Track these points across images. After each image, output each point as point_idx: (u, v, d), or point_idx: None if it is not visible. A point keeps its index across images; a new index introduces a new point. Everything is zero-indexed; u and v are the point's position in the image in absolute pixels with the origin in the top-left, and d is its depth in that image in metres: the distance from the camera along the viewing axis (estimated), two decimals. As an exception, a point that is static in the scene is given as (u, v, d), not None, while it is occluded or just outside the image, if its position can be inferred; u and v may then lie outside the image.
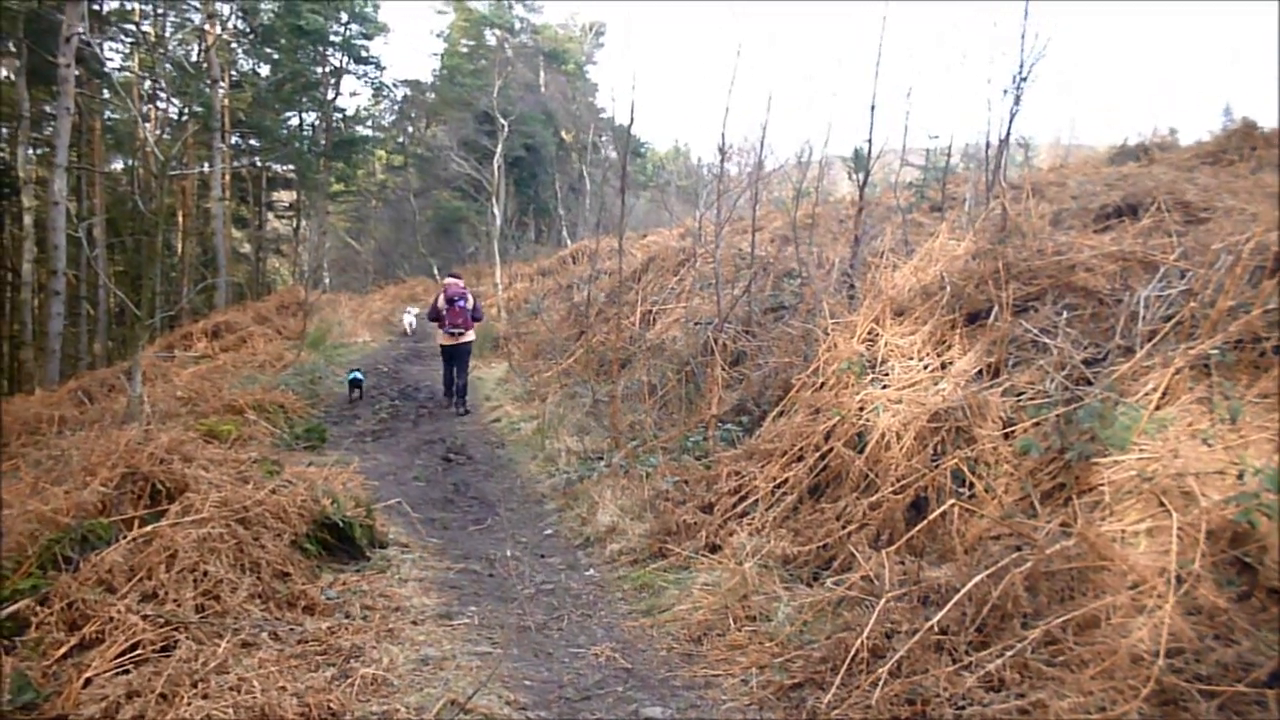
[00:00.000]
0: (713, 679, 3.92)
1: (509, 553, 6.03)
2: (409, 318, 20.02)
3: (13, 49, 17.69)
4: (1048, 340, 5.14)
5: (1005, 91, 8.32)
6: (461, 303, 11.18)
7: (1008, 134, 8.58)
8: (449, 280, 11.68)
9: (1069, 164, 15.68)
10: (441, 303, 11.23)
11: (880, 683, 3.32)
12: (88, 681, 3.44)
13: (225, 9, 26.01)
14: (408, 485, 8.02)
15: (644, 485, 6.55)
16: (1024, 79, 7.91)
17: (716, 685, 3.85)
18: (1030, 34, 9.02)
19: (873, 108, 8.55)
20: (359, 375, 12.31)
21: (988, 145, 9.15)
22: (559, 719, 3.61)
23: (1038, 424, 4.54)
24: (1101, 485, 4.02)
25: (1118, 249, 5.65)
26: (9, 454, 8.35)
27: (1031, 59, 7.84)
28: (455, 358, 11.42)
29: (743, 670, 3.92)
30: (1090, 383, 4.64)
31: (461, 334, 11.23)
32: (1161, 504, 3.73)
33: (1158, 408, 4.17)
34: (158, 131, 24.65)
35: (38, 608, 3.88)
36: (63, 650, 3.65)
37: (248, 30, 29.32)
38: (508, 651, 4.28)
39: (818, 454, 5.51)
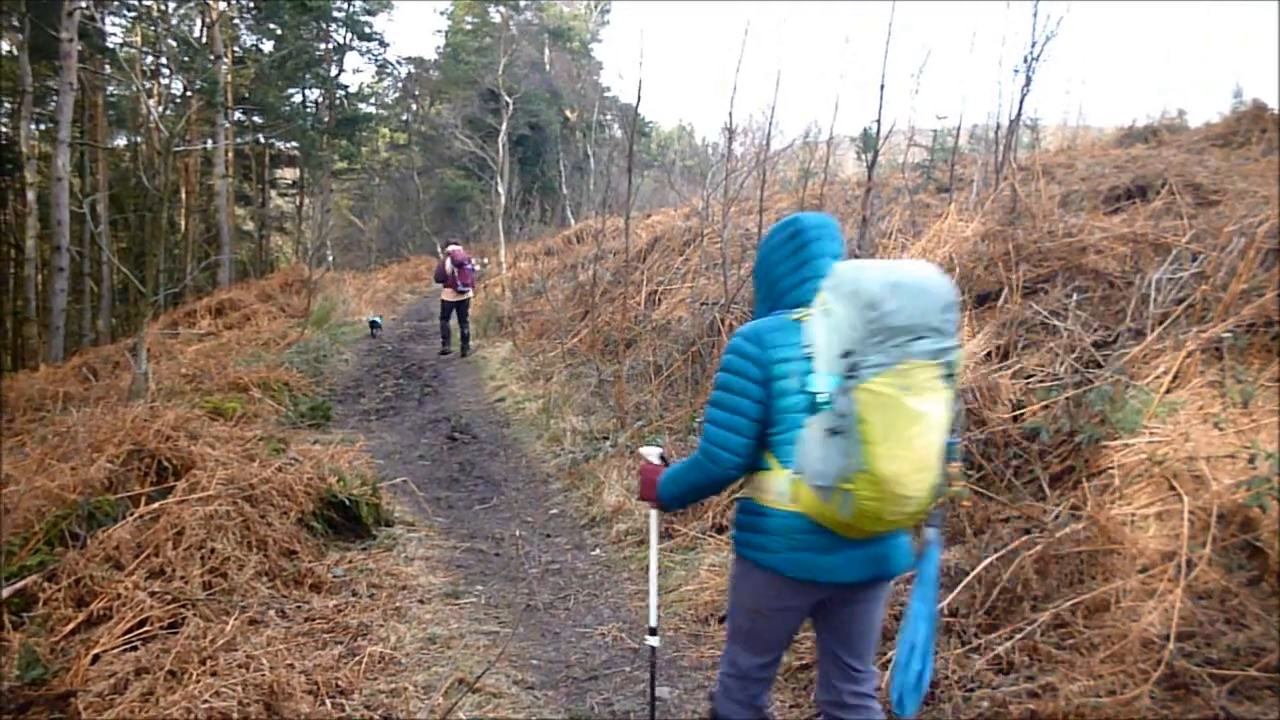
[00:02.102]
0: (720, 660, 3.91)
1: (515, 532, 6.04)
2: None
3: (15, 23, 17.55)
4: (1058, 323, 5.11)
5: (1016, 71, 8.25)
6: (467, 265, 13.65)
7: (1018, 114, 8.50)
8: (453, 248, 13.90)
9: (1077, 145, 15.51)
10: (449, 266, 13.40)
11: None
12: (96, 658, 3.45)
13: (228, -17, 25.80)
14: (413, 464, 8.03)
15: (650, 466, 6.53)
16: (1036, 58, 7.83)
17: (723, 665, 3.85)
18: (1042, 14, 8.92)
19: (882, 87, 8.45)
20: (377, 319, 15.74)
21: (997, 126, 9.05)
22: (567, 698, 3.61)
23: (1047, 407, 4.52)
24: (1111, 469, 4.00)
25: (1129, 231, 5.61)
26: (14, 430, 8.36)
27: (1043, 37, 7.76)
28: (459, 310, 13.80)
29: (749, 651, 3.91)
30: (1100, 365, 4.61)
31: (466, 291, 13.73)
32: (1172, 488, 3.72)
33: (1168, 391, 4.15)
34: (161, 108, 24.49)
35: (45, 584, 3.89)
36: (70, 626, 3.67)
37: (251, 5, 29.06)
38: (515, 631, 4.29)
39: (825, 435, 5.47)
